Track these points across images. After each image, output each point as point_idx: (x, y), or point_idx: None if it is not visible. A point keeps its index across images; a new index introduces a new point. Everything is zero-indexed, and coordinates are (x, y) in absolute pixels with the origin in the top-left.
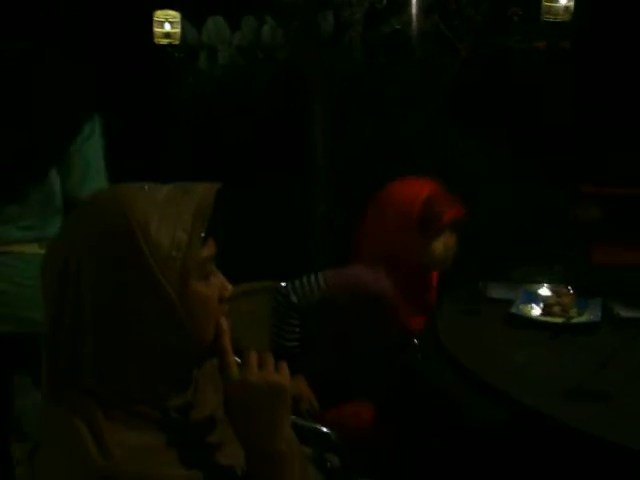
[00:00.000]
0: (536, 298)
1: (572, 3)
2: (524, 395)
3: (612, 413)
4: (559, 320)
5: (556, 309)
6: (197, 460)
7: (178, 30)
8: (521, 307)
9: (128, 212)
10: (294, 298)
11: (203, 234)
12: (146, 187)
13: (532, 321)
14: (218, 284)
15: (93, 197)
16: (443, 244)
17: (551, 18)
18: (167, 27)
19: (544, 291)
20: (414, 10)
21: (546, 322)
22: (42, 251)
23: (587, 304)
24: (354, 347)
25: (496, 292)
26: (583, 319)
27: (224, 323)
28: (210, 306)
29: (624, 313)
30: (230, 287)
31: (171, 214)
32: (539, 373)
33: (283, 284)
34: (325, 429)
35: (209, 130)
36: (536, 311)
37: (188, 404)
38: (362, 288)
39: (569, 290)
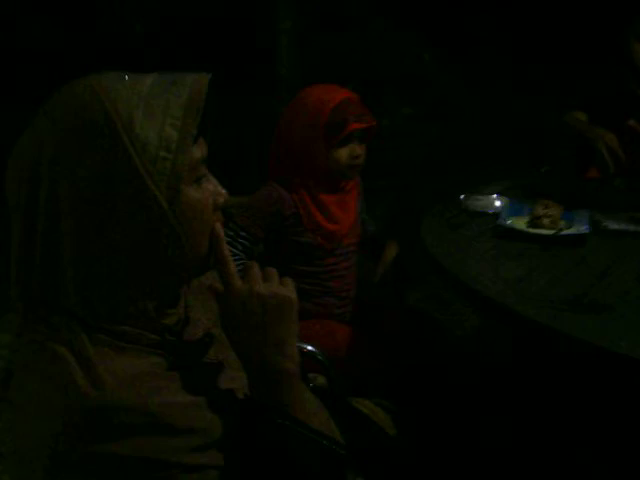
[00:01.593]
0: (522, 210)
1: None
2: (524, 307)
3: (617, 324)
4: (549, 232)
5: (545, 221)
6: (198, 384)
7: None
8: (508, 219)
9: (108, 105)
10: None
11: (195, 131)
12: (126, 77)
13: (521, 233)
14: (211, 189)
15: (65, 88)
16: (348, 153)
17: None
18: None
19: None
20: None
21: (536, 234)
22: None
23: (574, 216)
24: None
25: (478, 205)
26: (573, 231)
27: (220, 231)
28: (204, 214)
29: (612, 225)
30: (225, 192)
31: (158, 107)
32: (535, 285)
33: None
34: (310, 347)
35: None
36: (523, 223)
37: (181, 323)
38: (260, 209)
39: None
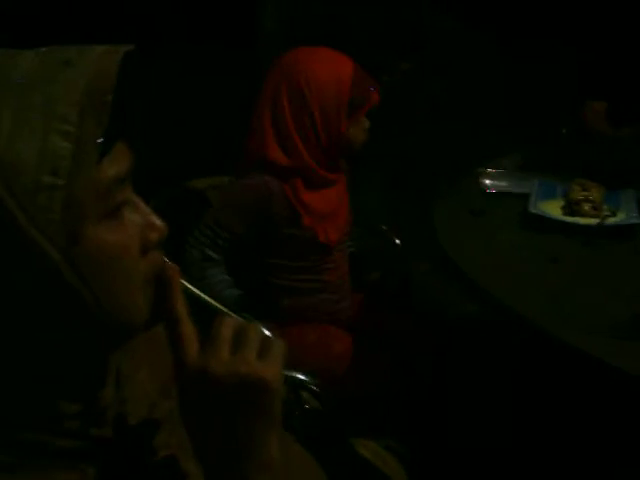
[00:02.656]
0: (554, 191)
1: None
2: (564, 330)
3: None
4: (592, 221)
5: (586, 207)
6: None
7: None
8: (539, 204)
9: None
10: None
11: (100, 137)
12: None
13: (559, 223)
14: (138, 222)
15: None
16: (363, 127)
17: None
18: None
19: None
20: None
21: (575, 224)
22: None
23: (618, 198)
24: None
25: (497, 184)
26: (621, 219)
27: (174, 274)
28: (126, 261)
29: None
30: (160, 224)
31: (38, 106)
32: (579, 297)
33: None
34: (302, 376)
35: None
36: (558, 209)
37: (113, 406)
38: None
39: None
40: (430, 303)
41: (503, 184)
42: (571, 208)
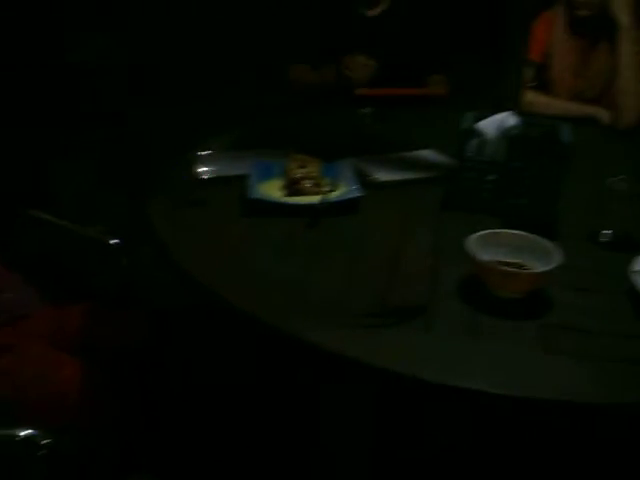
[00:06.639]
0: (271, 169)
1: None
2: (298, 324)
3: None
4: (314, 199)
5: (306, 184)
6: None
7: None
8: (258, 187)
9: None
10: None
11: None
12: None
13: (280, 206)
14: None
15: None
16: None
17: None
18: None
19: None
20: None
21: (299, 205)
22: None
23: (335, 168)
24: None
25: (212, 169)
26: (342, 193)
27: None
28: None
29: (382, 176)
30: None
31: None
32: (312, 285)
33: None
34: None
35: None
36: (278, 191)
37: None
38: None
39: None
40: (154, 300)
41: (218, 168)
42: (291, 187)
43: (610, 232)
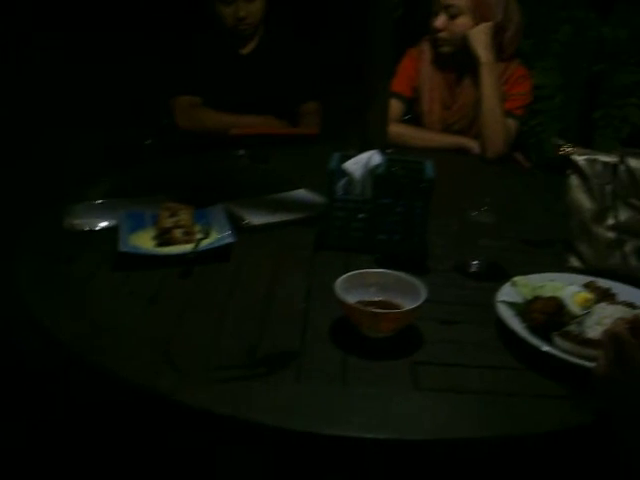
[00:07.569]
0: (143, 219)
1: None
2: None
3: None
4: (186, 248)
5: (177, 233)
6: None
7: None
8: (130, 239)
9: None
10: None
11: None
12: None
13: (151, 258)
14: None
15: None
16: None
17: None
18: None
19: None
20: None
21: (171, 255)
22: None
23: (208, 214)
24: None
25: (84, 221)
26: (215, 240)
27: None
28: None
29: (255, 219)
30: None
31: None
32: (183, 339)
33: None
34: None
35: None
36: (150, 241)
37: None
38: None
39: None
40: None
41: (90, 220)
42: (162, 237)
43: (477, 262)
